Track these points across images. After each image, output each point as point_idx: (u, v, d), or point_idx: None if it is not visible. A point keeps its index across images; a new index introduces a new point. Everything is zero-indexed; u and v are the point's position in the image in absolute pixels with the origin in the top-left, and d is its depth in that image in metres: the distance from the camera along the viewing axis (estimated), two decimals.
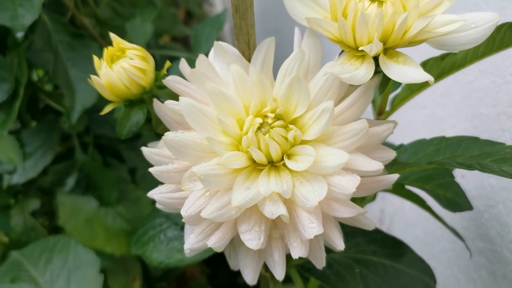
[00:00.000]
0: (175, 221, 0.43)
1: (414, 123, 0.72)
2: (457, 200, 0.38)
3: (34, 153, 0.69)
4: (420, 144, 0.38)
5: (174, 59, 0.67)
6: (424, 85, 0.37)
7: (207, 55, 0.63)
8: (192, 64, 0.60)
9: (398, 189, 0.41)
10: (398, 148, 0.39)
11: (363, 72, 0.26)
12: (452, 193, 0.38)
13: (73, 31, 0.61)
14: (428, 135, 0.69)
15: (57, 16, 0.61)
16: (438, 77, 0.37)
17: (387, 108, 0.40)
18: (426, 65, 0.37)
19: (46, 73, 0.69)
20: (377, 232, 0.40)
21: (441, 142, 0.37)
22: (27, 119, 0.74)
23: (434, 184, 0.38)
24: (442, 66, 0.36)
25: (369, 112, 0.42)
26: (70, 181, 0.73)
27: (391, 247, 0.39)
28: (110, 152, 0.79)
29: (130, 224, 0.77)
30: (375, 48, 0.25)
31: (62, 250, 0.56)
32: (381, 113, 0.40)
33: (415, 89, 0.37)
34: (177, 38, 1.95)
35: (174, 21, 1.18)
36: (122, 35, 0.74)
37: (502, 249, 0.54)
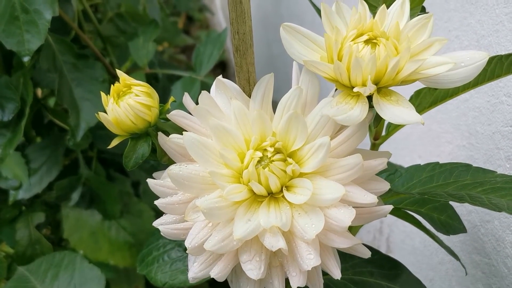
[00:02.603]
0: (178, 243, 0.44)
1: (411, 137, 0.73)
2: (451, 223, 0.39)
3: (39, 169, 0.71)
4: (415, 170, 0.40)
5: (176, 78, 0.68)
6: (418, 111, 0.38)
7: (208, 74, 0.64)
8: (193, 84, 0.61)
9: (394, 211, 0.42)
10: (394, 173, 0.41)
11: (357, 112, 0.27)
12: (447, 216, 0.39)
13: (77, 52, 0.62)
14: (424, 149, 0.71)
15: (62, 37, 0.62)
16: (432, 104, 0.39)
17: (383, 133, 0.42)
18: (420, 93, 0.38)
19: (51, 92, 0.70)
20: (375, 252, 0.41)
21: (435, 169, 0.38)
22: (32, 135, 0.75)
23: (429, 208, 0.39)
24: (436, 94, 0.37)
25: (366, 137, 0.43)
26: (75, 196, 0.74)
27: (388, 268, 0.41)
28: (114, 166, 0.81)
29: (133, 237, 0.78)
30: (368, 90, 0.27)
31: (68, 266, 0.58)
32: (377, 138, 0.41)
33: None
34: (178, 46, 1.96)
35: (175, 31, 1.20)
36: (125, 53, 0.76)
37: (498, 263, 0.55)
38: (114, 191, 0.76)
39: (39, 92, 0.77)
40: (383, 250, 0.90)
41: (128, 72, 0.71)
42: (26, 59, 0.51)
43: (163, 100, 0.35)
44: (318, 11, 0.51)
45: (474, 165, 0.58)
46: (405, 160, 0.77)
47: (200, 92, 0.32)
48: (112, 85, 0.32)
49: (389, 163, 0.58)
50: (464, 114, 0.59)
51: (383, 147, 0.50)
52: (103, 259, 0.78)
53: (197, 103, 0.32)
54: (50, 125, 0.77)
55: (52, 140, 0.73)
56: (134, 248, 0.78)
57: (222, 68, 2.00)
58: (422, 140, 0.71)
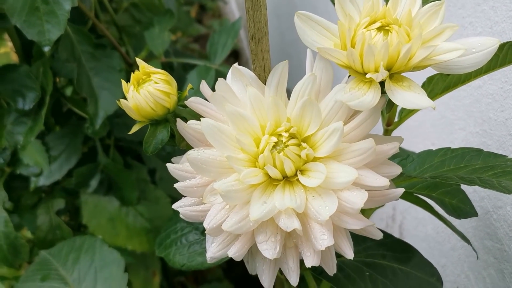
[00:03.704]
0: (196, 226, 0.46)
1: (424, 124, 0.73)
2: (462, 207, 0.40)
3: (59, 156, 0.73)
4: (427, 155, 0.40)
5: (191, 67, 0.69)
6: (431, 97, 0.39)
7: (222, 62, 0.65)
8: (208, 72, 0.62)
9: (406, 195, 0.43)
10: (406, 158, 0.41)
11: (370, 97, 0.28)
12: (458, 200, 0.40)
13: (95, 41, 0.64)
14: (438, 136, 0.71)
15: (80, 27, 0.64)
16: (444, 90, 0.39)
17: (396, 119, 0.42)
18: (432, 80, 0.39)
19: (69, 81, 0.72)
20: (386, 236, 0.42)
21: (446, 154, 0.39)
22: (51, 123, 0.77)
23: (440, 192, 0.40)
24: (448, 80, 0.38)
25: (379, 123, 0.44)
26: (93, 183, 0.76)
27: (400, 251, 0.42)
28: (131, 153, 0.83)
29: (150, 223, 0.80)
30: (380, 76, 0.28)
31: (88, 249, 0.60)
32: (389, 124, 0.42)
33: None
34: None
35: (188, 20, 1.21)
36: (141, 43, 0.77)
37: (511, 249, 0.56)
38: (131, 178, 0.78)
39: (58, 83, 0.78)
40: (396, 236, 0.91)
41: (144, 61, 0.72)
42: (46, 49, 0.52)
43: (179, 87, 0.36)
44: None
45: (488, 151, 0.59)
46: (418, 147, 0.77)
47: (215, 81, 0.33)
48: (132, 73, 0.34)
49: (401, 149, 0.58)
50: (477, 100, 0.59)
51: (396, 134, 0.51)
52: (120, 244, 0.80)
53: (213, 91, 0.33)
54: (68, 114, 0.79)
55: (71, 128, 0.74)
56: (151, 234, 0.80)
57: (235, 56, 2.01)
58: (435, 127, 0.71)
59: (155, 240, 0.54)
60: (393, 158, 0.40)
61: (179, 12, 1.12)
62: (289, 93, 0.33)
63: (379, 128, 0.45)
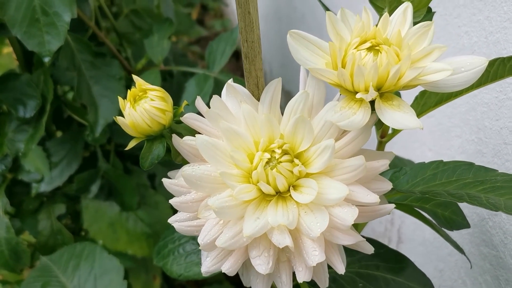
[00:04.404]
0: (193, 236, 0.46)
1: (421, 131, 0.74)
2: (455, 219, 0.40)
3: (60, 162, 0.74)
4: (419, 168, 0.41)
5: (191, 73, 0.70)
6: (419, 113, 0.40)
7: (222, 68, 0.65)
8: (206, 80, 0.63)
9: (401, 206, 0.43)
10: (399, 171, 0.42)
11: (359, 117, 0.29)
12: (450, 212, 0.40)
13: (95, 50, 0.64)
14: (435, 143, 0.72)
15: (80, 36, 0.65)
16: (437, 104, 0.40)
17: (390, 131, 0.43)
18: (425, 93, 0.40)
19: (71, 88, 0.72)
20: (381, 246, 0.43)
21: (438, 167, 0.39)
22: (52, 129, 0.78)
23: (433, 204, 0.41)
24: (440, 95, 0.39)
25: (373, 135, 0.45)
26: (94, 188, 0.77)
27: (394, 261, 0.42)
28: (131, 159, 0.83)
29: (150, 227, 0.81)
30: (370, 96, 0.28)
31: (88, 256, 0.60)
32: (383, 136, 0.42)
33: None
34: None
35: (189, 23, 1.21)
36: (141, 50, 0.78)
37: (506, 256, 0.56)
38: (131, 184, 0.78)
39: (59, 90, 0.79)
40: (394, 240, 0.92)
41: (144, 69, 0.73)
42: (46, 59, 0.53)
43: (178, 94, 0.37)
44: (325, 8, 0.52)
45: (483, 159, 0.59)
46: (415, 153, 0.78)
47: (214, 89, 0.34)
48: (129, 89, 0.34)
49: (398, 158, 0.59)
50: (473, 108, 0.60)
51: (394, 141, 0.51)
52: (121, 249, 0.81)
53: (210, 100, 0.34)
54: (69, 120, 0.79)
55: (71, 134, 0.75)
56: (151, 239, 0.81)
57: (236, 57, 2.01)
58: (432, 134, 0.72)
59: (155, 245, 0.55)
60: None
61: (180, 16, 1.12)
62: (291, 97, 0.34)
63: (373, 139, 0.46)
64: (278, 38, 1.54)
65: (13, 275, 0.80)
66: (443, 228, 0.40)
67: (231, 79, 0.35)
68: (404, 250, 0.88)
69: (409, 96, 0.41)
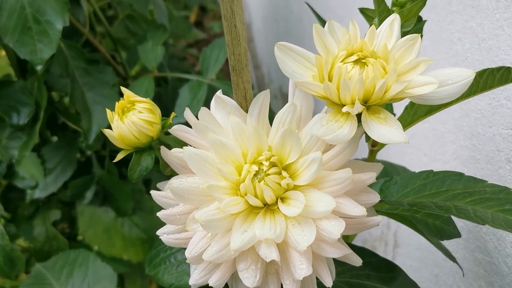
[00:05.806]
0: None
1: (416, 136, 0.74)
2: (445, 228, 0.40)
3: (55, 169, 0.74)
4: (409, 177, 0.41)
5: (185, 79, 0.70)
6: (409, 123, 0.40)
7: (216, 77, 0.65)
8: (200, 87, 0.63)
9: (392, 215, 0.43)
10: (390, 180, 0.42)
11: (346, 131, 0.29)
12: (441, 221, 0.40)
13: (88, 57, 0.64)
14: (429, 148, 0.71)
15: (73, 43, 0.65)
16: (427, 113, 0.40)
17: None
18: (414, 103, 0.39)
19: (65, 94, 0.72)
20: (372, 255, 0.43)
21: (428, 177, 0.39)
22: (47, 135, 0.78)
23: (424, 213, 0.41)
24: (430, 105, 0.38)
25: (364, 144, 0.45)
26: (89, 194, 0.77)
27: (385, 271, 0.42)
28: (125, 165, 0.83)
29: (145, 233, 0.81)
30: (356, 110, 0.28)
31: (82, 264, 0.60)
32: (374, 145, 0.42)
33: (404, 124, 0.40)
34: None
35: (186, 26, 1.21)
36: (135, 55, 0.77)
37: (499, 262, 0.56)
38: (126, 189, 0.78)
39: (54, 96, 0.79)
40: (390, 244, 0.92)
41: (138, 75, 0.73)
42: (39, 67, 0.53)
43: (173, 100, 0.37)
44: (318, 17, 0.52)
45: (477, 165, 0.59)
46: (411, 157, 0.78)
47: (207, 95, 0.34)
48: (117, 102, 0.34)
49: (391, 165, 0.59)
50: (466, 115, 0.60)
51: (389, 146, 0.51)
52: (117, 255, 0.81)
53: (204, 105, 0.34)
54: (64, 126, 0.79)
55: (66, 141, 0.75)
56: (146, 244, 0.81)
57: None
58: (427, 139, 0.72)
59: (150, 251, 0.55)
60: (380, 176, 0.40)
61: (176, 19, 1.12)
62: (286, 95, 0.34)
63: (364, 148, 0.46)
64: (275, 40, 1.54)
65: (10, 280, 0.80)
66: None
67: (220, 91, 0.35)
68: (400, 254, 0.88)
69: (400, 104, 0.41)
